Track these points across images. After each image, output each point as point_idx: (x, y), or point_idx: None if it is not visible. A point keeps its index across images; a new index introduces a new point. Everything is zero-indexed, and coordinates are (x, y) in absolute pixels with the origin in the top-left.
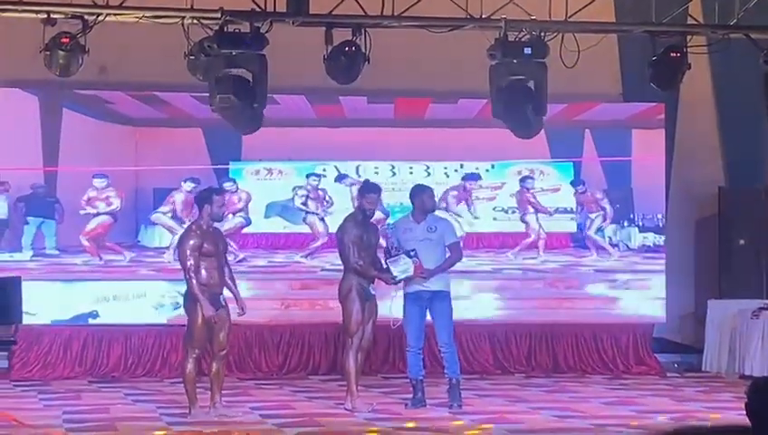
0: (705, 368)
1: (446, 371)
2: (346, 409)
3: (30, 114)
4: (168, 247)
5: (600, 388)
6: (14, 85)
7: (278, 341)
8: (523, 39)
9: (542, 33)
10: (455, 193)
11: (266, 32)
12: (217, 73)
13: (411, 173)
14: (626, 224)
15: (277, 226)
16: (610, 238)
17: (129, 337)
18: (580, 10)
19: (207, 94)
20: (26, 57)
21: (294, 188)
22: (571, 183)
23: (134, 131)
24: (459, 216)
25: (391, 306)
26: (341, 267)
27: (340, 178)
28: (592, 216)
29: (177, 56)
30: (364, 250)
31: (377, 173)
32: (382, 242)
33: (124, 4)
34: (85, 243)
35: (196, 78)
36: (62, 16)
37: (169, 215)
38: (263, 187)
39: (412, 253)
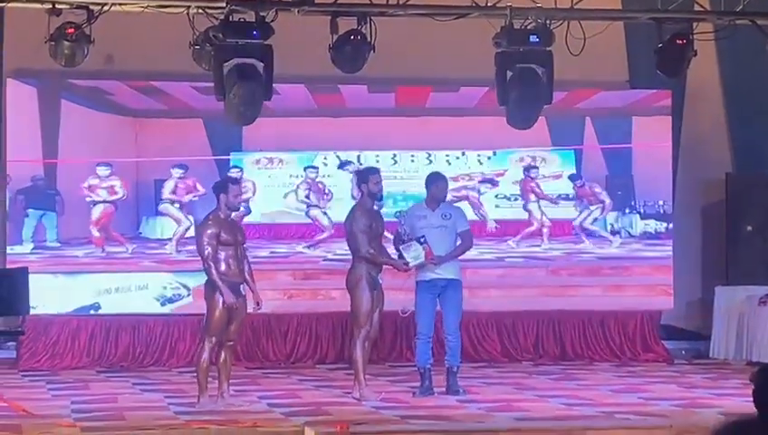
0: (712, 355)
1: (447, 358)
2: (354, 398)
3: (29, 106)
4: (170, 239)
5: (608, 375)
6: (15, 76)
7: (285, 330)
8: (528, 27)
9: (548, 21)
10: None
11: (272, 21)
12: (223, 64)
13: (413, 162)
14: (627, 211)
15: (280, 216)
16: (612, 226)
17: (137, 327)
18: None
19: (209, 84)
20: (24, 48)
21: (296, 183)
22: (570, 177)
23: (134, 122)
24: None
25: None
26: (345, 257)
27: (343, 164)
28: (592, 207)
29: (181, 46)
30: (374, 239)
31: (378, 162)
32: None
33: None
34: (96, 233)
35: (202, 68)
36: (67, 6)
37: (177, 206)
38: (264, 176)
39: (422, 239)
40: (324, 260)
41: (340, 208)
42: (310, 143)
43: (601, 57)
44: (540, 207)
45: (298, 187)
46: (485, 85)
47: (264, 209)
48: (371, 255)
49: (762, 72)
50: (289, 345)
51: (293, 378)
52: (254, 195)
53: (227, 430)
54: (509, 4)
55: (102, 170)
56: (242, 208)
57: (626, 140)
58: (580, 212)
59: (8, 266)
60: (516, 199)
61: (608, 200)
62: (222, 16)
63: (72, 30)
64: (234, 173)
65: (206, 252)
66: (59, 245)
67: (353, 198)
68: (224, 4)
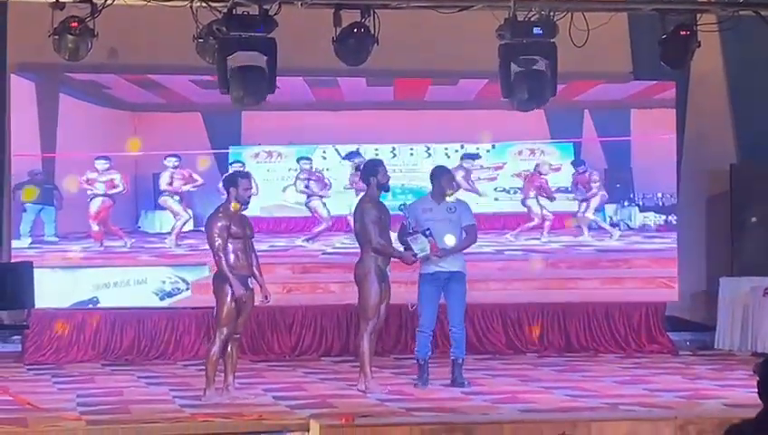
0: (717, 346)
1: (452, 350)
2: (359, 390)
3: (27, 100)
4: (169, 233)
5: (613, 367)
6: (17, 71)
7: (290, 323)
8: (532, 18)
9: (552, 13)
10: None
11: (275, 14)
12: (226, 57)
13: (412, 155)
14: (626, 204)
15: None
16: (611, 218)
17: (142, 320)
18: None
19: (207, 78)
20: (27, 42)
21: (295, 175)
22: (572, 163)
23: (133, 116)
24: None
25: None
26: (343, 250)
27: (351, 156)
28: (589, 194)
29: (185, 40)
30: (383, 230)
31: (377, 155)
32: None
33: None
34: (95, 227)
35: (206, 61)
36: (71, 0)
37: (177, 199)
38: (263, 170)
39: (427, 232)
40: (323, 254)
41: (337, 201)
42: (309, 137)
43: (605, 49)
44: (539, 202)
45: (296, 179)
46: (485, 77)
47: (263, 203)
48: (382, 246)
49: (766, 63)
50: (294, 338)
51: (298, 371)
52: (257, 190)
53: (232, 423)
54: None
55: (101, 164)
56: None
57: (625, 132)
58: (579, 199)
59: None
60: (516, 193)
61: (604, 192)
62: (225, 9)
63: (75, 24)
64: (236, 167)
65: (217, 243)
66: (57, 239)
67: (354, 189)
68: None
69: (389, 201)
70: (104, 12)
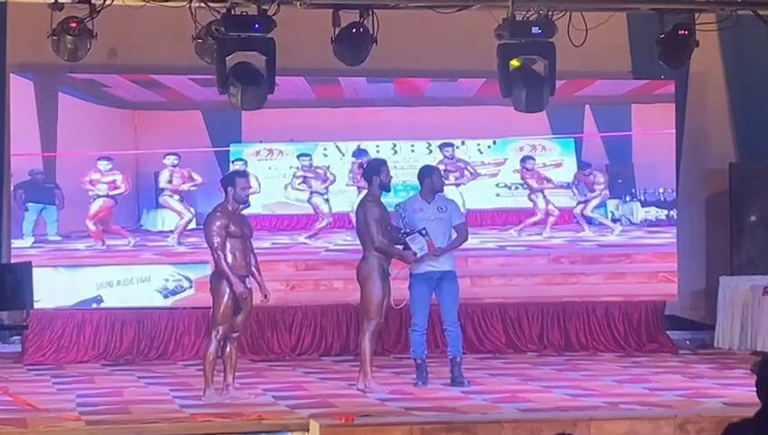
0: (717, 345)
1: (449, 349)
2: (359, 389)
3: (26, 99)
4: (172, 231)
5: (613, 366)
6: (16, 70)
7: (290, 322)
8: (530, 18)
9: (550, 12)
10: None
11: (274, 14)
12: (225, 58)
13: (413, 151)
14: (628, 199)
15: (281, 207)
16: (612, 214)
17: (142, 320)
18: None
19: (207, 76)
20: (25, 43)
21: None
22: (578, 164)
23: (133, 115)
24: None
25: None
26: (346, 247)
27: (359, 154)
28: (590, 194)
29: (184, 40)
30: (385, 230)
31: (378, 152)
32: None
33: None
34: (92, 227)
35: (205, 61)
36: (69, 1)
37: (177, 198)
38: (264, 167)
39: (423, 231)
40: (326, 251)
41: (339, 198)
42: (310, 134)
43: (604, 48)
44: (544, 196)
45: (293, 177)
46: (484, 77)
47: (265, 200)
48: (384, 245)
49: (765, 63)
50: (294, 337)
51: (298, 370)
52: (259, 188)
53: (232, 422)
54: None
55: (104, 165)
56: None
57: (626, 127)
58: (580, 200)
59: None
60: (517, 188)
61: (606, 191)
62: (224, 10)
63: (74, 24)
64: (237, 165)
65: (216, 241)
66: (59, 238)
67: (356, 187)
68: None
69: (390, 198)
70: (103, 12)
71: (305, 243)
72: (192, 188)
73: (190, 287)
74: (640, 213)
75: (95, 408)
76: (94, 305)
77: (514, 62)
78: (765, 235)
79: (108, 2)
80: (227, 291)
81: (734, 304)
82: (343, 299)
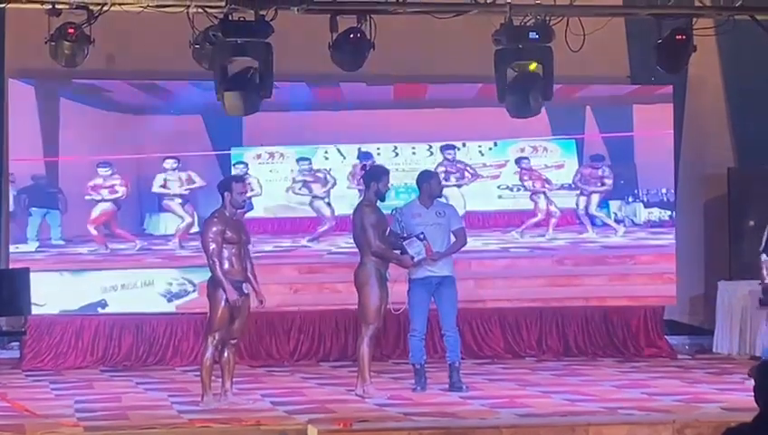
0: (715, 350)
1: (448, 354)
2: (357, 395)
3: (28, 105)
4: (174, 235)
5: (611, 371)
6: (15, 76)
7: (289, 328)
8: (528, 23)
9: (548, 18)
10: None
11: (271, 20)
12: (223, 63)
13: (414, 154)
14: (630, 200)
15: (282, 210)
16: (615, 214)
17: (141, 326)
18: None
19: (207, 81)
20: (24, 48)
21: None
22: (591, 157)
23: (134, 120)
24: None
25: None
26: (348, 250)
27: (363, 156)
28: (592, 189)
29: (181, 46)
30: (382, 234)
31: (379, 154)
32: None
33: None
34: (93, 231)
35: (202, 67)
36: (67, 7)
37: (179, 202)
38: (265, 171)
39: (421, 236)
40: (329, 254)
41: (342, 201)
42: (310, 137)
43: (602, 53)
44: (546, 197)
45: (293, 181)
46: (481, 82)
47: (267, 204)
48: (382, 249)
49: (763, 67)
50: (292, 343)
51: (297, 376)
52: (261, 191)
53: (231, 428)
54: (508, 0)
55: (104, 171)
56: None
57: (627, 128)
58: (579, 198)
59: (12, 265)
60: (519, 190)
61: (609, 181)
62: (222, 15)
63: (72, 30)
64: (238, 169)
65: (211, 248)
66: (63, 243)
67: (358, 189)
68: (223, 3)
69: (392, 200)
70: (101, 18)
71: (307, 246)
72: (186, 192)
73: (194, 291)
74: (643, 214)
75: (93, 414)
76: (99, 310)
77: (532, 66)
78: None
79: (105, 8)
80: (223, 297)
81: (732, 310)
82: (347, 301)
